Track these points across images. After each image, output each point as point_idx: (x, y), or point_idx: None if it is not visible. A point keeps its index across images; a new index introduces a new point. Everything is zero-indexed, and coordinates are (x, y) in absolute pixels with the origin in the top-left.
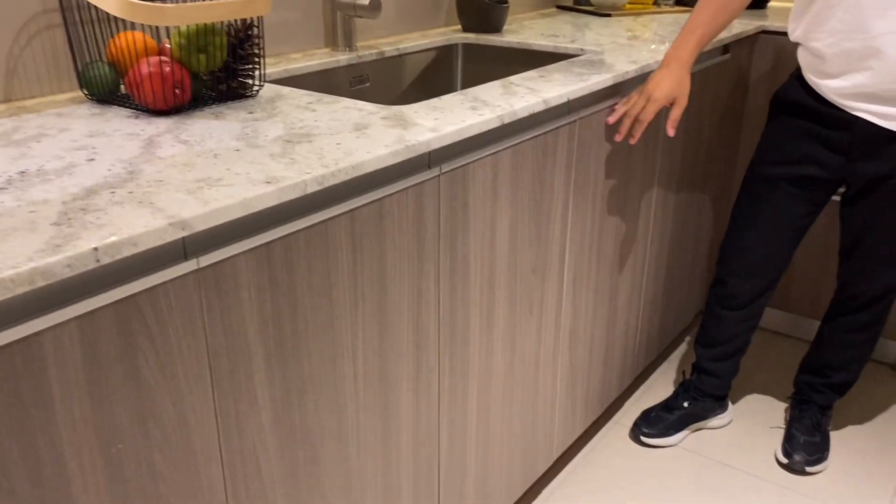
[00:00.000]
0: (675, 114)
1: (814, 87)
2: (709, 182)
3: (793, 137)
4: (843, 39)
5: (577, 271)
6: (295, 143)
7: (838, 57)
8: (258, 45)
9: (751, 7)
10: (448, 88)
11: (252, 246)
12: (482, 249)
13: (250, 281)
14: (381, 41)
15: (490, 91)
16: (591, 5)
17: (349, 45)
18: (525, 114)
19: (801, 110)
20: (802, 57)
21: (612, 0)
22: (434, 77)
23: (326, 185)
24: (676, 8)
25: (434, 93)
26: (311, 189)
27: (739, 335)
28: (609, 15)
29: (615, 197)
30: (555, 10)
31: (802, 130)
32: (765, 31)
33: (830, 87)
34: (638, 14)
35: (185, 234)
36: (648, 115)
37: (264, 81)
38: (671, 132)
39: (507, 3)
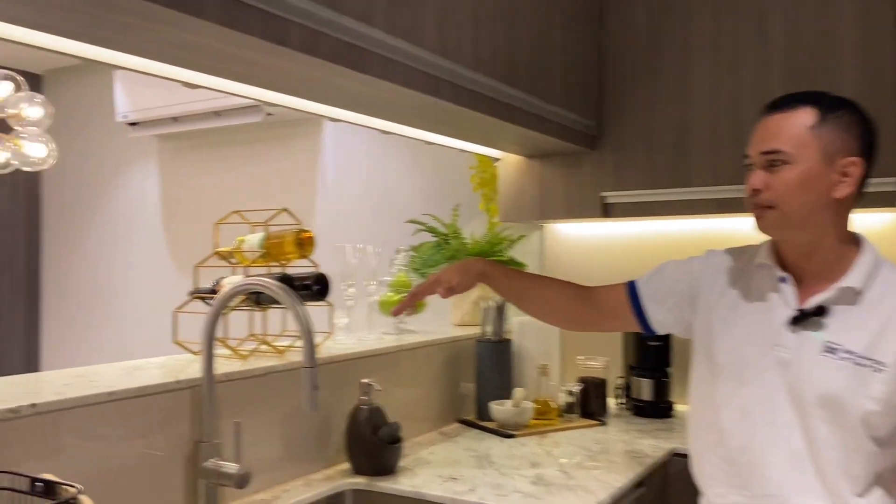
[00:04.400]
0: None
1: None
2: None
3: None
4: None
5: None
6: None
7: None
8: None
9: (656, 416)
10: None
11: None
12: None
13: None
14: (255, 497)
15: None
16: (494, 421)
17: None
18: None
19: None
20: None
21: (515, 419)
22: None
23: None
24: (585, 421)
25: None
26: None
27: None
28: (513, 436)
29: None
30: (456, 425)
31: None
32: (677, 454)
33: None
34: (543, 433)
35: None
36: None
37: None
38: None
39: (400, 440)
